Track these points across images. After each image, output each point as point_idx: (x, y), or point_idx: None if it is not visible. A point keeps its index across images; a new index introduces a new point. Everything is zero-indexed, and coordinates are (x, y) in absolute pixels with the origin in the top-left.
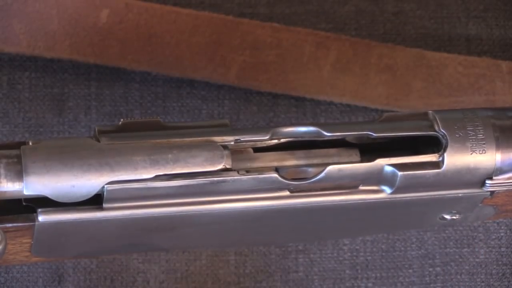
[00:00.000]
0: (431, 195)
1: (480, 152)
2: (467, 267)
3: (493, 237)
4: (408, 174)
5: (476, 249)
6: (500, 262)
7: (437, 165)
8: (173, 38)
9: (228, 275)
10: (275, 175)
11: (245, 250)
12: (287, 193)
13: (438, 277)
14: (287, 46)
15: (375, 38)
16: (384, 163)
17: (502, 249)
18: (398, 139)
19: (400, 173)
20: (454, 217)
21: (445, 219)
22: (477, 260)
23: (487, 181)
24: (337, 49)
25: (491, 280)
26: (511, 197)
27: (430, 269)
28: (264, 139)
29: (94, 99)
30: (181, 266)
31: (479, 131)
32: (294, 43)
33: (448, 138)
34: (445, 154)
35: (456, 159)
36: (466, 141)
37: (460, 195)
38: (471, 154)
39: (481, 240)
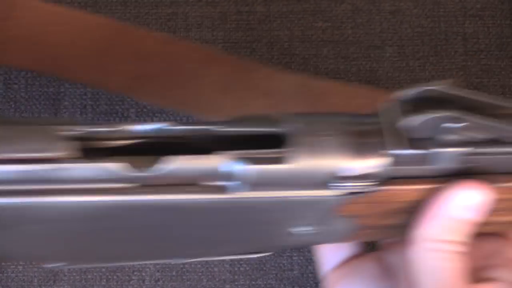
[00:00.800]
0: (277, 197)
1: (328, 147)
2: None
3: None
4: (253, 168)
5: None
6: None
7: (282, 159)
8: (62, 39)
9: (223, 273)
10: (118, 164)
11: None
12: (132, 185)
13: None
14: (172, 59)
15: (372, 36)
16: (229, 155)
17: None
18: (247, 138)
19: (244, 166)
20: (306, 230)
21: (296, 234)
22: None
23: (333, 182)
24: (221, 68)
25: None
26: (362, 206)
27: None
28: (113, 130)
29: (90, 98)
30: (176, 264)
31: (329, 133)
32: (179, 57)
33: (294, 132)
34: (290, 149)
35: (302, 152)
36: (313, 135)
37: (306, 197)
38: (318, 148)
39: None
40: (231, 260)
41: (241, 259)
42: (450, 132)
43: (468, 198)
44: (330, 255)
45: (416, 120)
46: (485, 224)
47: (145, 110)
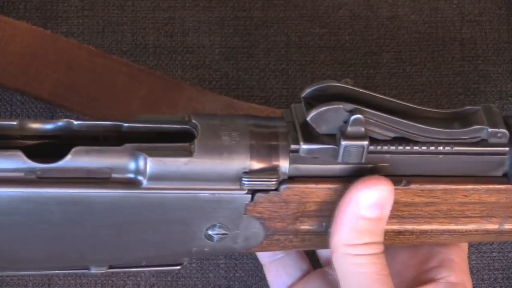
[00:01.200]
0: (187, 193)
1: (234, 141)
2: None
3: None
4: (158, 160)
5: (468, 255)
6: (491, 267)
7: (188, 152)
8: None
9: (218, 278)
10: (20, 153)
11: (235, 254)
12: (33, 177)
13: None
14: (102, 72)
15: (369, 42)
16: (133, 148)
17: (494, 254)
18: (157, 137)
19: (149, 158)
20: (221, 234)
21: (212, 237)
22: (469, 265)
23: (244, 176)
24: (148, 85)
25: (483, 285)
26: (269, 206)
27: None
28: (11, 124)
29: None
30: (171, 270)
31: (234, 132)
32: (108, 70)
33: (199, 128)
34: (195, 141)
35: (207, 145)
36: (218, 130)
37: (218, 194)
38: (223, 141)
39: (472, 245)
40: (227, 266)
41: (236, 265)
42: (352, 125)
43: (368, 197)
44: (278, 281)
45: (315, 113)
46: (410, 233)
47: None
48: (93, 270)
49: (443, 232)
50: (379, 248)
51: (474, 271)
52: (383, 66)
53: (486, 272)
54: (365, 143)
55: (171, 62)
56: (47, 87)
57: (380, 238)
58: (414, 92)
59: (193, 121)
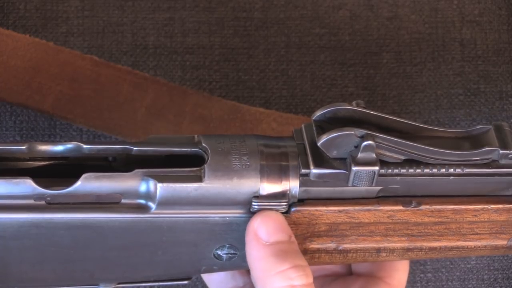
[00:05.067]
0: (197, 217)
1: (244, 166)
2: (458, 273)
3: None
4: (168, 186)
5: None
6: (491, 267)
7: (198, 178)
8: None
9: None
10: (29, 180)
11: None
12: (43, 203)
13: (429, 284)
14: (105, 82)
15: (369, 42)
16: (143, 173)
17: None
18: (166, 159)
19: (159, 184)
20: (230, 254)
21: (221, 257)
22: (468, 266)
23: (254, 201)
24: (154, 92)
25: (483, 285)
26: None
27: (422, 275)
28: (20, 149)
29: None
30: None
31: (244, 154)
32: (112, 80)
33: (210, 152)
34: (205, 166)
35: (217, 171)
36: (228, 154)
37: (228, 218)
38: (233, 166)
39: None
40: None
41: None
42: (363, 151)
43: (265, 225)
44: None
45: (326, 139)
46: (419, 250)
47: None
48: (102, 287)
49: (451, 249)
50: (308, 275)
51: (474, 271)
52: (383, 66)
53: (486, 272)
54: (376, 168)
55: (171, 63)
56: (50, 100)
57: (302, 261)
58: (414, 92)
59: (203, 144)
